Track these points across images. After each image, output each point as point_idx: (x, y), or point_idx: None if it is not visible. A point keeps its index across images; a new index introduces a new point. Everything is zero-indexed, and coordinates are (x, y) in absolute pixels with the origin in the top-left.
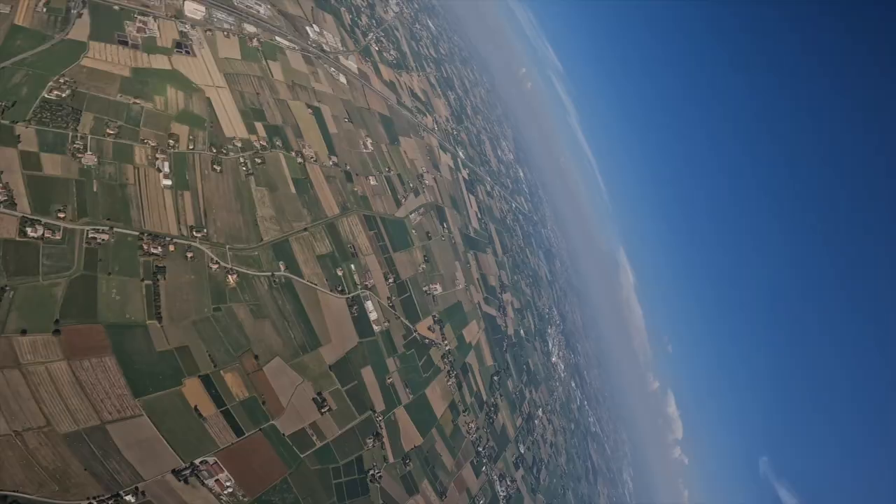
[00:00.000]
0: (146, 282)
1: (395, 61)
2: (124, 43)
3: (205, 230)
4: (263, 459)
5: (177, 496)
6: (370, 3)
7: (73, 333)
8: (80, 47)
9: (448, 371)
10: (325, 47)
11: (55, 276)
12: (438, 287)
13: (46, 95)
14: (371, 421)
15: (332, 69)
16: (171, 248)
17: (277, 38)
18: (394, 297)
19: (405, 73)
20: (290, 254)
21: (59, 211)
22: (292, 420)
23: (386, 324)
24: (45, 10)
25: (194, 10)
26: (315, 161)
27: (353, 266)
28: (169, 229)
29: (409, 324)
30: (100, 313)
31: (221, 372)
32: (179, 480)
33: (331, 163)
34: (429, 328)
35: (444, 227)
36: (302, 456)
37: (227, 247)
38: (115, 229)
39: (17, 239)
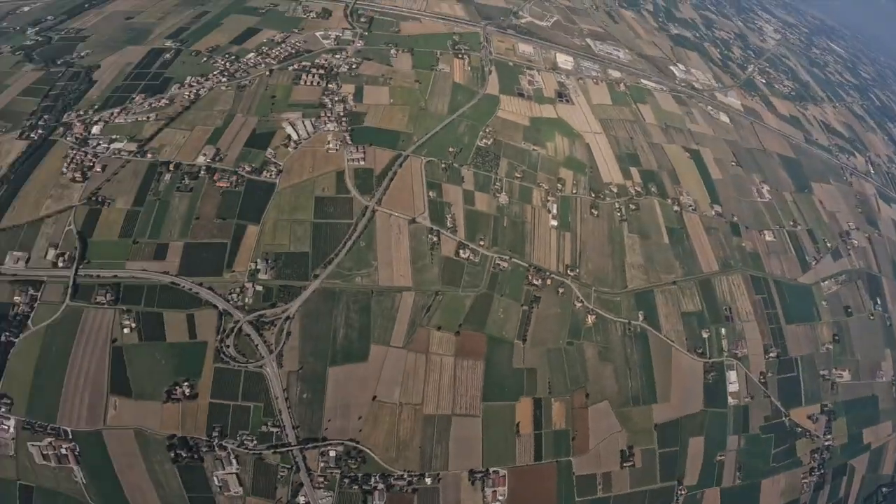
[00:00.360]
0: (524, 307)
1: (792, 93)
2: (521, 95)
3: (577, 270)
4: (540, 489)
5: (458, 492)
6: (739, 34)
7: (466, 337)
8: (494, 100)
9: (812, 468)
10: (696, 85)
11: (469, 290)
12: (846, 374)
13: (479, 143)
14: (670, 492)
15: (710, 108)
16: (548, 282)
17: (643, 81)
18: (770, 374)
19: (811, 104)
20: (652, 305)
21: (481, 240)
22: (589, 463)
23: (747, 399)
24: (469, 69)
25: (565, 62)
26: (693, 210)
27: (723, 330)
28: (549, 265)
29: (781, 406)
30: (487, 326)
31: (552, 400)
32: (469, 480)
33: (713, 212)
34: (809, 416)
35: (875, 303)
36: (577, 499)
37: (593, 288)
38: (512, 259)
39: (453, 257)
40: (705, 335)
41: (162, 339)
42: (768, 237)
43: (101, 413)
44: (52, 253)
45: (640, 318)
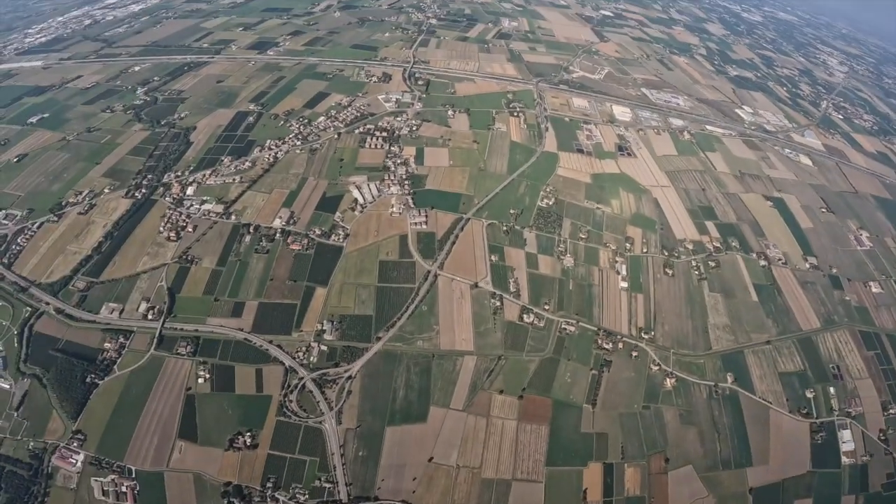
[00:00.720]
0: (593, 371)
1: (874, 127)
2: (580, 151)
3: (652, 332)
4: None
5: None
6: (803, 70)
7: (530, 402)
8: (553, 158)
9: None
10: (768, 127)
11: (533, 354)
12: None
13: (540, 203)
14: None
15: (787, 150)
16: (620, 345)
17: (708, 127)
18: (891, 431)
19: None
20: (743, 366)
21: (546, 304)
22: None
23: (864, 458)
24: (525, 126)
25: (622, 113)
26: (784, 264)
27: (831, 389)
28: (620, 328)
29: None
30: (553, 390)
31: (625, 465)
32: None
33: (807, 265)
34: None
35: None
36: None
37: (672, 351)
38: (580, 323)
39: (517, 322)
40: (810, 395)
41: (232, 390)
42: (875, 289)
43: (166, 455)
44: (143, 306)
45: (730, 380)
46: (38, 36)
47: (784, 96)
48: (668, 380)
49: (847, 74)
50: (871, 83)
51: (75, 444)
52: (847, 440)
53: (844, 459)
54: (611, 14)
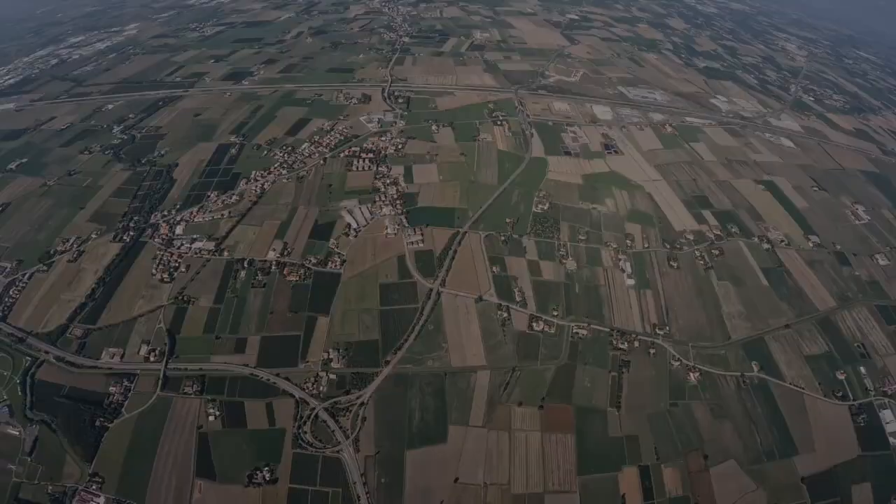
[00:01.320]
0: (612, 373)
1: (846, 106)
2: (568, 153)
3: (667, 328)
4: None
5: None
6: (765, 57)
7: (551, 411)
8: (542, 163)
9: None
10: (745, 114)
11: (548, 362)
12: None
13: (535, 210)
14: None
15: (768, 134)
16: (636, 344)
17: (688, 119)
18: None
19: (871, 114)
20: (767, 353)
21: (554, 310)
22: None
23: None
24: (510, 134)
25: (603, 113)
26: (787, 245)
27: (862, 369)
28: (634, 326)
29: None
30: (573, 397)
31: (662, 466)
32: None
33: (811, 244)
34: None
35: None
36: None
37: (690, 344)
38: (592, 326)
39: (527, 331)
40: (841, 377)
41: (243, 426)
42: (882, 261)
43: (186, 495)
44: (144, 349)
45: (755, 368)
46: (7, 77)
47: (753, 83)
48: (691, 374)
49: (808, 58)
50: (832, 65)
51: (94, 487)
52: (890, 420)
53: (892, 440)
54: (577, 17)
